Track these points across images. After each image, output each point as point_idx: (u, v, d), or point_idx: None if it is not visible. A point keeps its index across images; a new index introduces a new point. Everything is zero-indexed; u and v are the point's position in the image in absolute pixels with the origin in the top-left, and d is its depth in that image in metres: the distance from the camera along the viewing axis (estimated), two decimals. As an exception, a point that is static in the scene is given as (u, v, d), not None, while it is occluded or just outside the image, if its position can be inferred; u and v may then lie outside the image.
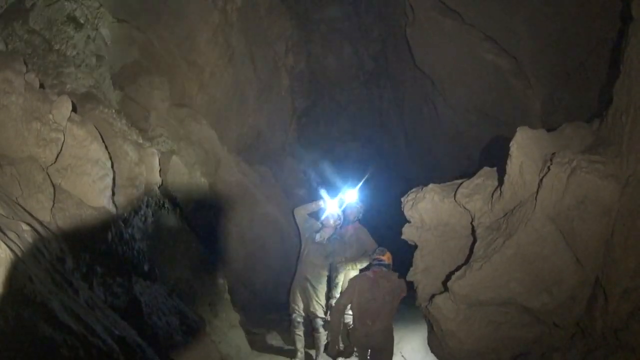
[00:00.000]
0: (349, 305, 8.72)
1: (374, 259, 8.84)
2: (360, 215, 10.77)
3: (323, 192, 10.83)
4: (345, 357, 9.90)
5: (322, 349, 10.03)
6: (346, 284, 9.36)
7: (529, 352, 7.18)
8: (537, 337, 7.03)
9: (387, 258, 8.80)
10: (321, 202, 10.59)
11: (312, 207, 10.71)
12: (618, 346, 6.35)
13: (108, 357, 4.16)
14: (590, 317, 6.65)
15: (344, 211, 10.63)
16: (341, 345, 10.08)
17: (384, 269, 8.71)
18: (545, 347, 7.09)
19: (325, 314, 10.09)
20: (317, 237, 10.32)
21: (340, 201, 10.69)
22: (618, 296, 6.32)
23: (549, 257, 6.36)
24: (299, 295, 10.14)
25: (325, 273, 10.20)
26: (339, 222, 10.47)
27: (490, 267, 6.52)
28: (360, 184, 11.15)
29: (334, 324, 9.15)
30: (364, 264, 9.84)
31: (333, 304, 9.65)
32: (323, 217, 10.43)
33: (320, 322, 10.04)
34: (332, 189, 12.00)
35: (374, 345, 8.63)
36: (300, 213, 10.69)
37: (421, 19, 13.05)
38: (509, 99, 11.67)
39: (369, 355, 8.76)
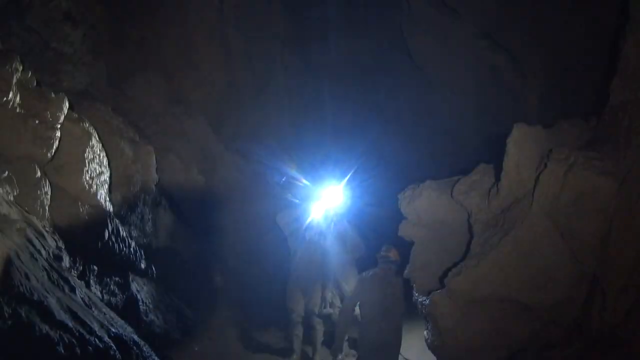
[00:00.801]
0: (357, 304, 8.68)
1: (382, 256, 8.82)
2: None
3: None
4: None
5: (318, 346, 10.04)
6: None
7: (526, 349, 7.18)
8: (534, 334, 7.02)
9: (394, 255, 8.80)
10: (302, 207, 10.71)
11: (292, 214, 10.83)
12: (616, 343, 6.35)
13: (105, 355, 4.16)
14: (588, 314, 6.65)
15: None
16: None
17: (392, 266, 8.72)
18: (542, 344, 7.09)
19: (323, 310, 10.12)
20: (307, 236, 10.39)
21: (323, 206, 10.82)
22: (615, 293, 6.31)
23: (546, 254, 6.36)
24: (297, 294, 10.14)
25: (322, 270, 10.21)
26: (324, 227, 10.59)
27: (487, 264, 6.52)
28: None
29: (341, 324, 9.07)
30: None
31: (334, 301, 9.66)
32: (306, 226, 10.55)
33: (317, 319, 10.05)
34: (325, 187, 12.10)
35: (384, 344, 8.57)
36: (282, 221, 10.81)
37: (418, 16, 13.05)
38: (506, 95, 11.67)
39: (375, 355, 8.65)
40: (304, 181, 14.75)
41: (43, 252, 4.89)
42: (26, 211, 5.32)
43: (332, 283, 10.38)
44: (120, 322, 5.56)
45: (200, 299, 9.53)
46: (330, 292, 10.28)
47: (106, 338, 4.40)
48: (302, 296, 10.12)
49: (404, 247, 8.68)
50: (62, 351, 3.61)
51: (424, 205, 8.02)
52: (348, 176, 11.69)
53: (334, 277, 10.38)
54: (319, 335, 10.03)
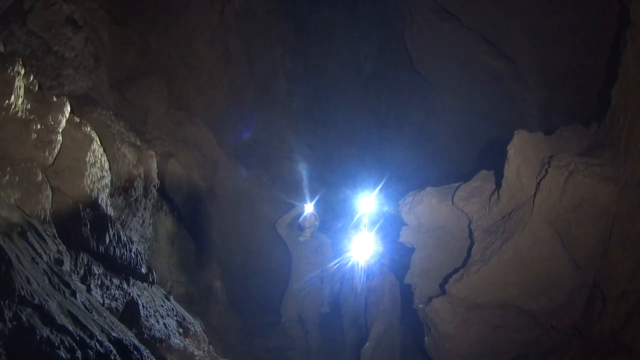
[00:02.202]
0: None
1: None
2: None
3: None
4: None
5: (314, 351, 10.07)
6: None
7: (527, 355, 7.18)
8: (534, 339, 7.02)
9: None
10: (297, 208, 10.79)
11: (290, 215, 10.90)
12: (616, 348, 6.35)
13: (105, 359, 4.15)
14: (588, 320, 6.65)
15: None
16: None
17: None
18: (543, 350, 7.09)
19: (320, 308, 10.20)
20: (301, 238, 10.48)
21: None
22: (616, 298, 6.32)
23: (547, 259, 6.36)
24: (290, 299, 10.19)
25: (319, 272, 10.27)
26: (316, 222, 10.66)
27: (488, 270, 6.52)
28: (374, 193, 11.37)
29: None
30: None
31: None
32: (301, 219, 10.62)
33: (312, 325, 10.09)
34: (329, 192, 12.13)
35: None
36: (282, 226, 10.87)
37: (419, 22, 13.06)
38: (506, 101, 11.67)
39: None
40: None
41: (44, 255, 4.89)
42: (27, 215, 5.32)
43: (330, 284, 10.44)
44: (121, 326, 5.56)
45: (201, 304, 9.52)
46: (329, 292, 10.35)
47: (107, 342, 4.39)
48: (295, 302, 10.18)
49: (405, 253, 8.69)
50: (63, 355, 3.61)
51: (425, 212, 8.03)
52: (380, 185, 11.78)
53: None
54: (315, 340, 10.06)
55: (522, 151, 6.66)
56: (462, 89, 12.98)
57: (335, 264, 10.45)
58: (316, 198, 11.15)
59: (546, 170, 6.31)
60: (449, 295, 6.86)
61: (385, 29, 17.38)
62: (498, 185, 7.07)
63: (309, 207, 10.80)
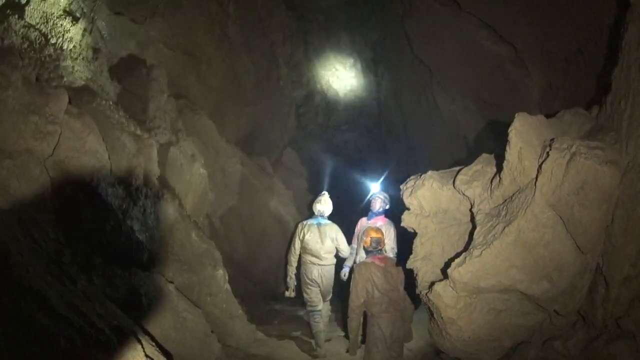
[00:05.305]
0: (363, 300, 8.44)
1: (375, 247, 8.72)
2: (387, 205, 10.69)
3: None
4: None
5: (317, 337, 10.07)
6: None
7: (530, 340, 7.17)
8: (538, 324, 7.02)
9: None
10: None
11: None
12: (619, 334, 6.34)
13: (105, 348, 4.15)
14: (591, 305, 6.64)
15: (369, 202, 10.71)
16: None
17: (385, 254, 8.71)
18: (546, 335, 7.09)
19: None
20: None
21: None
22: (619, 283, 6.31)
23: (549, 243, 6.34)
24: (312, 285, 10.10)
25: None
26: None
27: (490, 253, 6.49)
28: (383, 176, 11.26)
29: (354, 322, 8.77)
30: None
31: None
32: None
33: (315, 313, 10.08)
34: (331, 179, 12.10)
35: (399, 336, 8.44)
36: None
37: (418, 7, 13.02)
38: (507, 86, 11.63)
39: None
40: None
41: (44, 245, 4.89)
42: (27, 205, 5.32)
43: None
44: (122, 315, 5.56)
45: (203, 293, 9.50)
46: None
47: (107, 331, 4.39)
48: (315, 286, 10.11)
49: (408, 238, 8.68)
50: (63, 343, 3.61)
51: (426, 196, 8.01)
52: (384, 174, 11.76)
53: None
54: (319, 326, 10.04)
55: (523, 134, 6.63)
56: (462, 74, 12.95)
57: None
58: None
59: (547, 153, 6.28)
60: (451, 280, 6.83)
61: (385, 14, 17.36)
62: (499, 168, 7.04)
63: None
